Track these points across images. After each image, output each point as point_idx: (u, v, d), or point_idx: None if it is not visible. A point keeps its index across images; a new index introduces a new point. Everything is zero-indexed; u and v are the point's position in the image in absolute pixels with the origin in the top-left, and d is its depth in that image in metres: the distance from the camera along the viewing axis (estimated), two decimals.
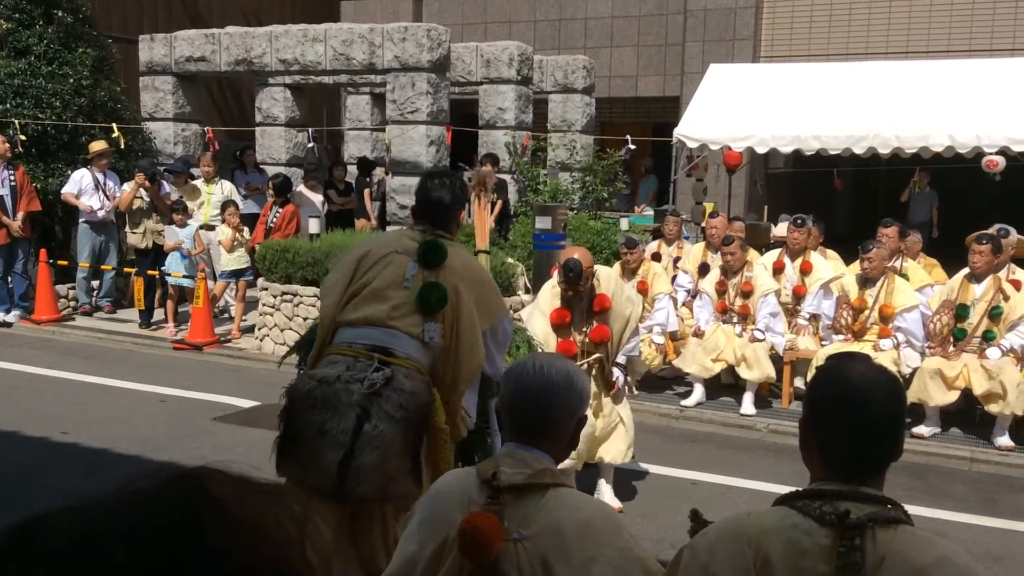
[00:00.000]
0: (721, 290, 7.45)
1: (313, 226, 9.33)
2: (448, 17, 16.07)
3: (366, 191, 12.01)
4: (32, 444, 6.04)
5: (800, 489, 1.74)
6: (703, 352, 7.25)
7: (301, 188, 10.90)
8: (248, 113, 13.39)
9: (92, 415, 6.71)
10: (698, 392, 7.37)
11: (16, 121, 10.05)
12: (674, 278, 8.29)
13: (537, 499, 1.94)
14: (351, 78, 11.61)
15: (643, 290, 7.64)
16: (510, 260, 8.74)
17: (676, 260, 8.60)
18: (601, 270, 5.06)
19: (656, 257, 8.52)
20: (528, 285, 8.65)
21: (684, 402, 7.34)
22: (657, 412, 7.24)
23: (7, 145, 9.50)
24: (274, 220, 9.69)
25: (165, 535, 0.68)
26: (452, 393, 3.37)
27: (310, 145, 11.76)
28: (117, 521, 0.69)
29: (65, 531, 0.69)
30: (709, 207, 10.83)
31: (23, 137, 10.05)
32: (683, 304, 8.13)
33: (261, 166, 11.33)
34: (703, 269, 8.03)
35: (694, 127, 10.62)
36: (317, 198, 10.92)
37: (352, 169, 12.90)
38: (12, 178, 9.48)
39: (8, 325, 9.57)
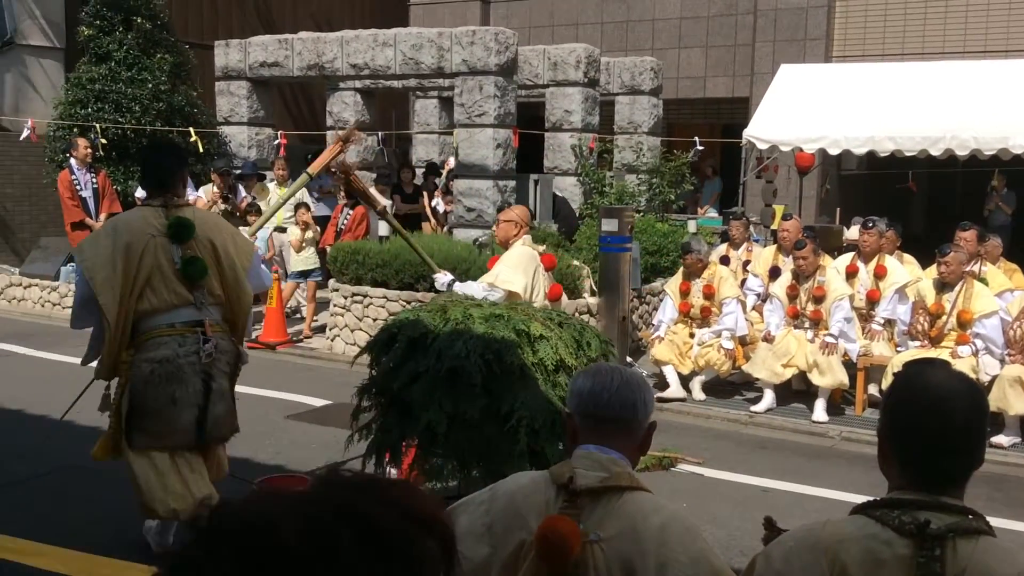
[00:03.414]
0: (792, 294, 7.35)
1: (383, 228, 9.46)
2: (515, 21, 16.14)
3: (425, 194, 12.15)
4: None
5: (878, 498, 1.72)
6: (773, 357, 7.16)
7: (372, 191, 11.04)
8: (319, 117, 13.63)
9: None
10: (768, 398, 7.27)
11: (97, 125, 10.40)
12: (743, 282, 8.20)
13: (614, 502, 1.93)
14: (420, 82, 11.73)
15: (710, 294, 7.60)
16: (576, 263, 8.73)
17: (745, 264, 8.51)
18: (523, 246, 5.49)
19: (724, 260, 8.44)
20: (594, 287, 8.64)
21: (754, 408, 7.26)
22: (726, 417, 7.17)
23: (88, 150, 9.83)
24: (344, 222, 9.86)
25: (342, 525, 0.76)
26: (241, 329, 4.19)
27: (379, 148, 11.91)
28: (300, 513, 0.76)
29: (251, 522, 0.76)
30: (779, 209, 10.69)
31: (104, 141, 10.40)
32: (752, 308, 8.04)
33: (332, 169, 11.51)
34: (774, 273, 7.93)
35: (764, 128, 10.49)
36: (387, 201, 11.06)
37: (420, 173, 13.03)
38: (94, 181, 9.81)
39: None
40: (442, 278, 5.55)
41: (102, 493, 5.24)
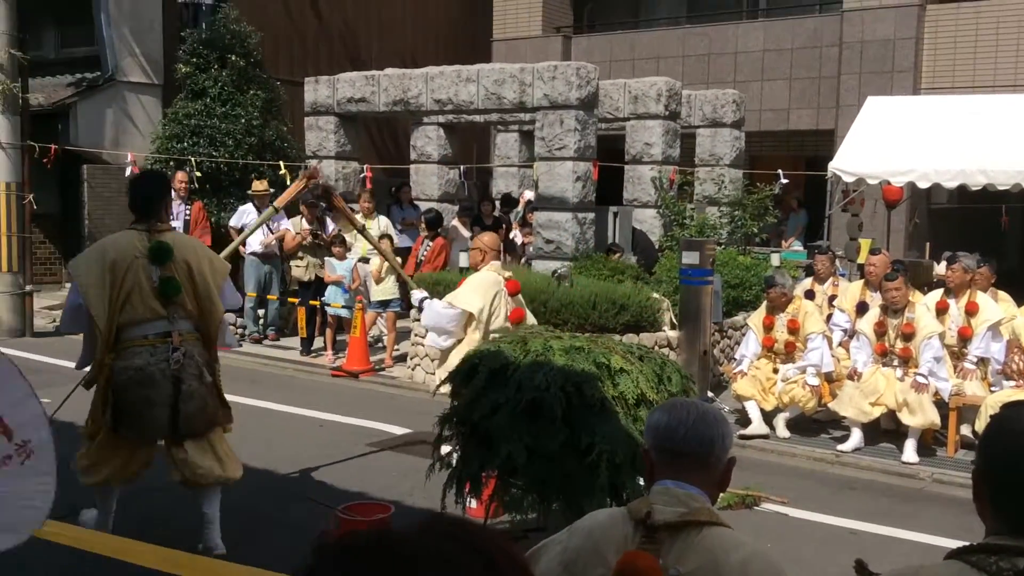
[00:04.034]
0: (880, 331, 7.16)
1: (463, 260, 9.57)
2: (596, 55, 16.23)
3: (504, 226, 12.26)
4: None
5: (974, 543, 1.67)
6: (861, 395, 6.97)
7: (455, 223, 11.23)
8: (403, 151, 13.91)
9: (256, 437, 7.06)
10: (856, 437, 7.08)
11: (192, 159, 10.81)
12: (829, 317, 8.03)
13: (693, 537, 1.91)
14: (501, 116, 11.89)
15: (794, 329, 7.46)
16: (655, 295, 8.68)
17: (831, 298, 8.34)
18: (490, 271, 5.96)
19: (809, 295, 8.29)
20: (674, 320, 8.57)
21: (841, 447, 7.07)
22: (812, 456, 7.00)
23: (183, 184, 10.22)
24: (424, 253, 10.01)
25: (474, 558, 0.81)
26: (212, 338, 4.72)
27: (461, 181, 12.08)
28: (426, 551, 0.83)
29: (377, 555, 0.82)
30: (865, 243, 10.46)
31: (198, 174, 10.80)
32: (839, 344, 7.86)
33: (415, 202, 11.73)
34: (861, 308, 7.75)
35: (850, 161, 10.31)
36: (468, 233, 11.20)
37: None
38: (187, 212, 10.18)
39: None
40: (418, 294, 6.13)
41: (179, 514, 5.38)
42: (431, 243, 10.03)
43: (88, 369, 4.65)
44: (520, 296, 6.18)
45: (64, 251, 14.04)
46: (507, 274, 6.09)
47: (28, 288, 11.24)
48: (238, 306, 5.74)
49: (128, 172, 11.21)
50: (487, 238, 6.24)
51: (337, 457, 6.63)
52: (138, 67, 13.27)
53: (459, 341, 5.72)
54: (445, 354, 5.92)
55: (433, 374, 8.86)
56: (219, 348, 4.95)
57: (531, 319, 6.23)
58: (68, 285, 11.89)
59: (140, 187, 4.72)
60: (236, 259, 11.23)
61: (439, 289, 8.92)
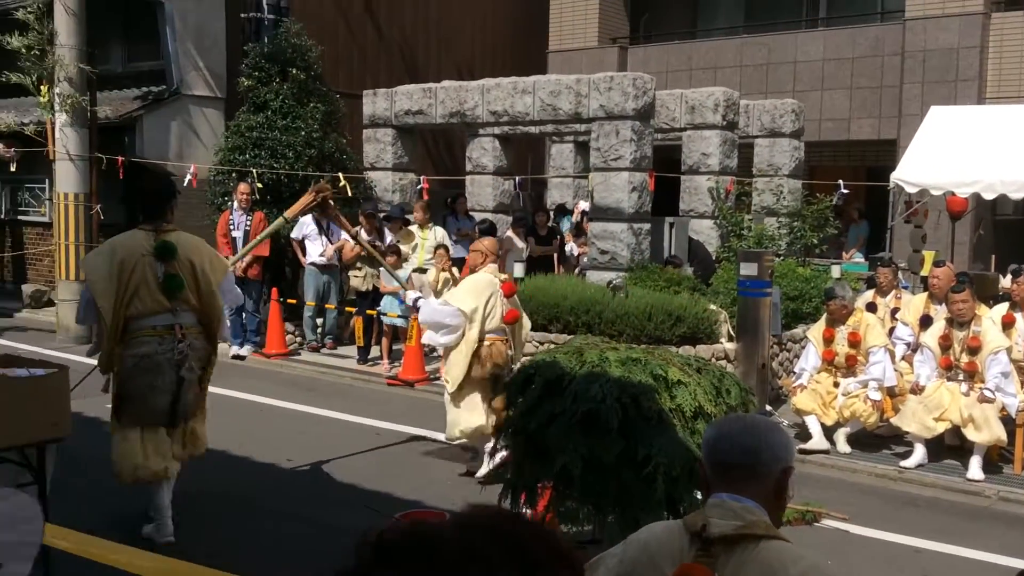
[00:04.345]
0: (945, 344, 6.99)
1: (517, 270, 9.59)
2: (653, 65, 16.18)
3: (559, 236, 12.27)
4: (259, 469, 6.53)
5: None
6: (924, 410, 6.82)
7: (508, 233, 11.27)
8: (459, 162, 14.00)
9: (313, 444, 7.17)
10: (919, 453, 6.91)
11: (254, 171, 11.01)
12: (891, 330, 7.87)
13: (749, 550, 1.89)
14: (557, 127, 11.91)
15: (855, 342, 7.33)
16: (712, 307, 8.60)
17: (894, 311, 8.18)
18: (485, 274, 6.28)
19: (871, 307, 8.13)
20: (731, 332, 8.47)
21: (903, 463, 6.91)
22: (873, 472, 6.86)
23: (245, 195, 10.42)
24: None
25: (496, 546, 0.82)
26: (214, 332, 5.07)
27: (515, 192, 12.11)
28: (462, 541, 0.83)
29: (410, 551, 0.83)
30: (929, 255, 10.24)
31: (259, 185, 10.99)
32: (902, 358, 7.69)
33: (471, 212, 11.80)
34: (924, 321, 7.58)
35: (913, 171, 10.10)
36: (522, 244, 11.24)
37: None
38: (248, 223, 10.38)
39: (242, 358, 10.41)
40: (412, 295, 6.58)
41: (237, 521, 5.47)
42: None
43: (99, 356, 5.05)
44: (516, 298, 6.50)
45: None
46: (503, 276, 6.40)
47: None
48: (239, 303, 6.08)
49: (187, 182, 11.46)
50: (487, 242, 6.56)
51: (392, 465, 6.69)
52: (202, 81, 13.58)
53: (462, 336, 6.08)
54: (447, 353, 6.22)
55: None
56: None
57: (526, 320, 6.68)
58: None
59: (150, 191, 5.12)
60: (296, 268, 11.45)
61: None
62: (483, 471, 5.86)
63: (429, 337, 6.46)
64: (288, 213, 6.69)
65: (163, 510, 5.03)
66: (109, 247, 5.00)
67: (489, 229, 10.28)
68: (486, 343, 6.06)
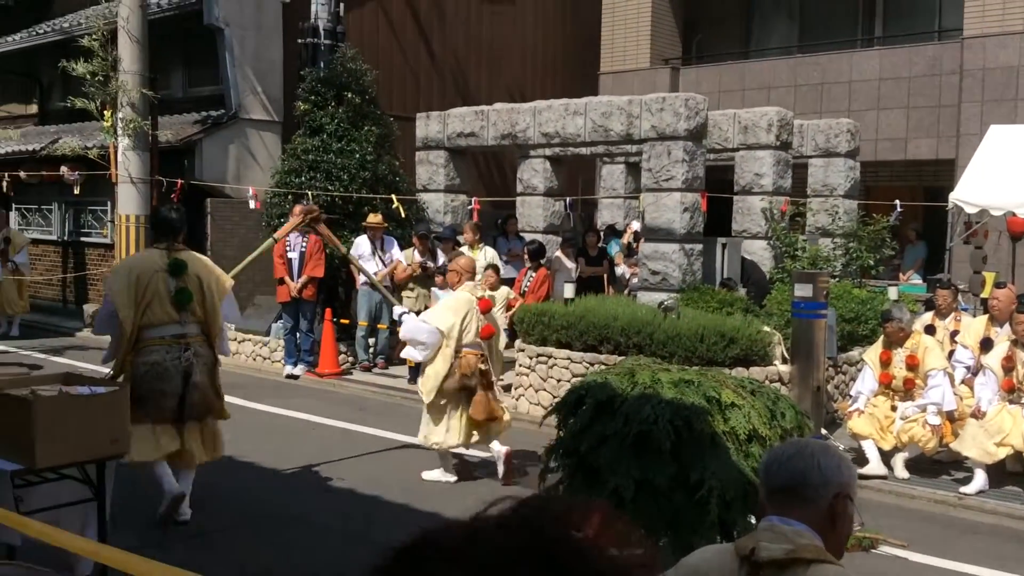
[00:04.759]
0: (1009, 366, 6.82)
1: (568, 291, 9.60)
2: (705, 86, 16.13)
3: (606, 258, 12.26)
4: (312, 487, 6.60)
5: None
6: (985, 435, 6.65)
7: (558, 254, 11.29)
8: (510, 183, 14.07)
9: (365, 462, 7.23)
10: (979, 479, 6.74)
11: (309, 192, 11.19)
12: (951, 353, 7.71)
13: (800, 575, 1.88)
14: (608, 148, 11.92)
15: (913, 365, 7.19)
16: (766, 328, 8.50)
17: (953, 334, 8.01)
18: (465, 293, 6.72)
19: (930, 330, 7.97)
20: (785, 354, 8.36)
21: (964, 489, 6.74)
22: (932, 498, 6.70)
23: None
24: (528, 284, 10.09)
25: (522, 563, 0.79)
26: (215, 340, 5.61)
27: (566, 213, 12.13)
28: (490, 542, 0.80)
29: (447, 550, 0.81)
30: (989, 277, 10.01)
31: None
32: (961, 381, 7.52)
33: (521, 233, 11.84)
34: (985, 344, 7.41)
35: (973, 191, 9.92)
36: (572, 264, 11.25)
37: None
38: (304, 244, 10.54)
39: (295, 377, 10.55)
40: (398, 310, 6.99)
41: (299, 541, 5.53)
42: (534, 274, 10.11)
43: (112, 363, 5.60)
44: (492, 313, 6.92)
45: None
46: (480, 294, 6.79)
47: None
48: (236, 320, 6.66)
49: (252, 205, 11.70)
50: (463, 261, 7.02)
51: (445, 485, 6.71)
52: (259, 105, 13.88)
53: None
54: (423, 367, 6.65)
55: (538, 404, 8.90)
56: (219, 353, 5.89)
57: (502, 335, 7.12)
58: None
59: (165, 217, 5.76)
60: (349, 289, 11.59)
61: (544, 319, 9.01)
62: (431, 474, 6.75)
63: (408, 352, 7.03)
64: (277, 234, 7.39)
65: (174, 493, 5.45)
66: (127, 265, 5.72)
67: (537, 250, 10.32)
68: (459, 355, 6.51)
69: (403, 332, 6.68)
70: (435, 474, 6.76)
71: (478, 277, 10.38)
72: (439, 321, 6.49)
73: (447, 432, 6.57)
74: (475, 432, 6.61)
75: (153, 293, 5.35)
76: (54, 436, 4.06)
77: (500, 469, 6.69)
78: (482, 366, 6.53)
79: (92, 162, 12.72)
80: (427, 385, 6.55)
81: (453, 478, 6.73)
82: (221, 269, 5.92)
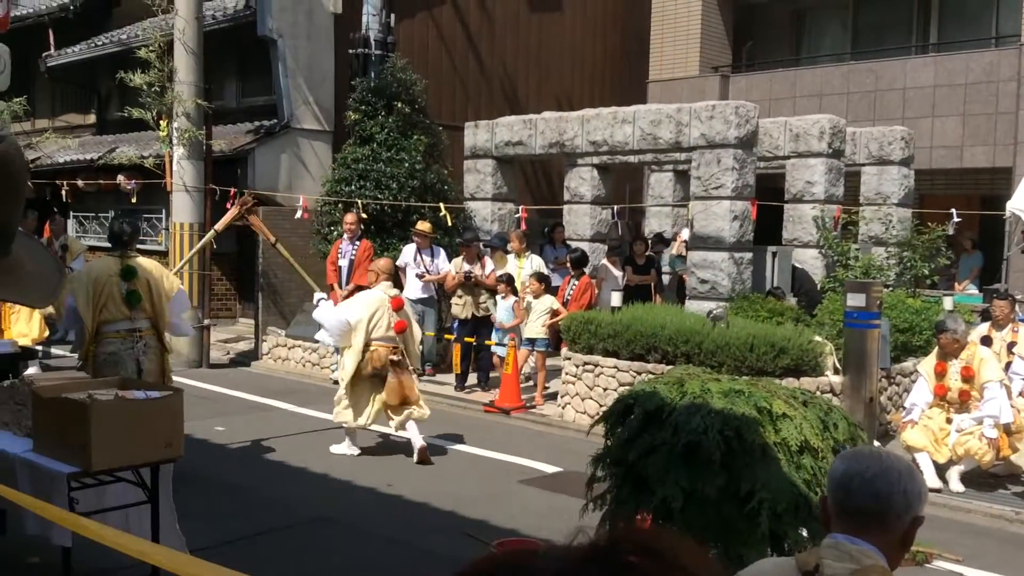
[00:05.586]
0: None
1: (615, 299, 9.56)
2: (755, 93, 15.99)
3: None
4: (361, 494, 6.64)
5: None
6: None
7: (604, 262, 11.25)
8: (557, 191, 14.08)
9: (412, 469, 7.27)
10: None
11: (359, 201, 11.31)
12: (1008, 365, 7.53)
13: None
14: (656, 156, 11.87)
15: (969, 377, 7.04)
16: (817, 338, 8.38)
17: (1010, 346, 7.83)
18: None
19: (986, 341, 7.80)
20: (837, 365, 8.24)
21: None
22: (989, 512, 6.54)
23: (351, 225, 10.70)
24: (571, 292, 10.09)
25: None
26: (162, 333, 6.43)
27: (613, 221, 12.08)
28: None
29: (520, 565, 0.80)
30: None
31: (364, 215, 11.28)
32: (1019, 394, 7.34)
33: (568, 241, 11.83)
34: None
35: None
36: (619, 272, 11.20)
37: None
38: (353, 252, 10.64)
39: None
40: (318, 295, 8.03)
41: (343, 547, 5.58)
42: (576, 282, 10.10)
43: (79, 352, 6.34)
44: (406, 310, 7.76)
45: (240, 288, 14.94)
46: (393, 292, 7.63)
47: (206, 322, 12.00)
48: (186, 310, 7.16)
49: (299, 215, 11.86)
50: (381, 263, 7.89)
51: (489, 493, 6.72)
52: (311, 115, 14.06)
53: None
54: (343, 355, 7.64)
55: (584, 412, 8.88)
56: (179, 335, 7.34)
57: (416, 330, 7.77)
58: (241, 319, 13.54)
59: (118, 227, 6.50)
60: None
61: (590, 328, 8.98)
62: (338, 448, 7.63)
63: (321, 336, 7.99)
64: (219, 226, 8.24)
65: None
66: (87, 269, 6.65)
67: (580, 258, 10.31)
68: (371, 348, 7.34)
69: (315, 315, 7.84)
70: (342, 447, 7.64)
71: (522, 281, 10.44)
72: (350, 313, 7.41)
73: (353, 412, 7.42)
74: (390, 413, 7.44)
75: (108, 295, 6.17)
76: (109, 440, 4.15)
77: (415, 457, 7.45)
78: (394, 357, 7.39)
79: (148, 171, 12.99)
80: (345, 370, 7.51)
81: (357, 451, 7.62)
82: (171, 272, 7.06)
